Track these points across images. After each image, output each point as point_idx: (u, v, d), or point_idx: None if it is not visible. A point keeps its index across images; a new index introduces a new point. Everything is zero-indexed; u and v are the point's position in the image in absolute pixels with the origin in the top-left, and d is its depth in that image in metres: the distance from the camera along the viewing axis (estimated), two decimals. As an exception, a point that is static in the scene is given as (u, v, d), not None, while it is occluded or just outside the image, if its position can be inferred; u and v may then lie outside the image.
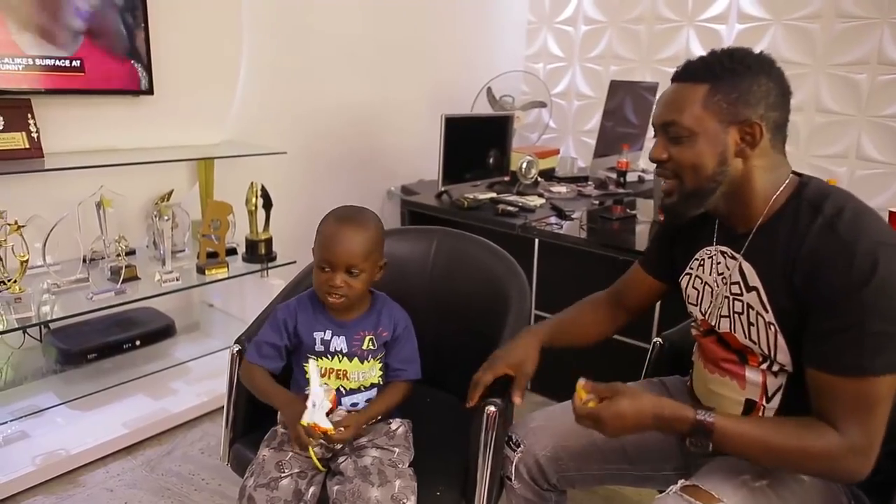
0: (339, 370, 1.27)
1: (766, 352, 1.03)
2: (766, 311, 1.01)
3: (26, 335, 2.05)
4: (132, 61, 2.12)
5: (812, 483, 1.03)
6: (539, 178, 3.10)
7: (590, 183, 3.16)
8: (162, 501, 1.80)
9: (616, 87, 3.05)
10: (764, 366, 1.05)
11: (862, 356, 0.90)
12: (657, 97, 1.09)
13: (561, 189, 3.00)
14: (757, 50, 1.02)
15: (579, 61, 3.77)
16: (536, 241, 2.38)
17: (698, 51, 3.27)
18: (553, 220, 2.49)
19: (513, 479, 1.25)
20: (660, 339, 1.44)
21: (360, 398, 1.29)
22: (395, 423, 1.30)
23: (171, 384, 2.28)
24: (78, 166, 1.95)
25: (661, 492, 1.05)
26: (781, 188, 1.03)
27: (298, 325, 1.29)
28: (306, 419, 1.14)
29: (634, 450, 1.24)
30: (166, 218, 2.11)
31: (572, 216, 2.54)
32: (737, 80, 0.99)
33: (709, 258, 1.15)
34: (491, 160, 3.00)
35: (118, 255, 2.01)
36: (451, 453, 1.29)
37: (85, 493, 1.82)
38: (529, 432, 1.26)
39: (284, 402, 1.25)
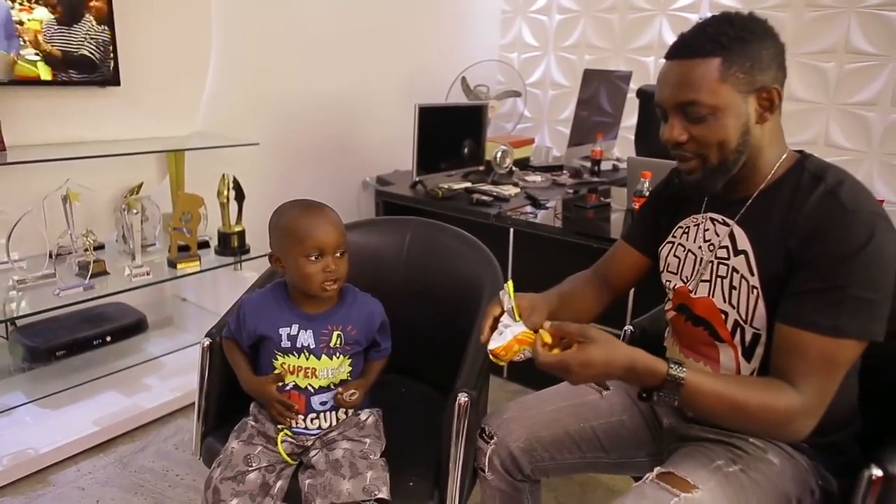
0: (308, 368, 1.24)
1: (743, 316, 1.04)
2: (752, 275, 1.02)
3: (-8, 333, 2.01)
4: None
5: (783, 466, 1.05)
6: (514, 168, 3.10)
7: (564, 172, 3.17)
8: (135, 499, 1.78)
9: (590, 77, 3.05)
10: (737, 339, 1.06)
11: (839, 317, 0.92)
12: (658, 78, 1.05)
13: (536, 178, 3.00)
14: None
15: (554, 50, 3.77)
16: (511, 230, 2.38)
17: (671, 40, 3.29)
18: (528, 209, 2.49)
19: (486, 470, 1.24)
20: (630, 327, 1.45)
21: (328, 397, 1.26)
22: (365, 414, 1.29)
23: (143, 380, 2.24)
24: (42, 159, 1.91)
25: (635, 478, 1.05)
26: (784, 157, 1.05)
27: (260, 322, 1.27)
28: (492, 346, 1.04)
29: (608, 438, 1.24)
30: (135, 211, 2.07)
31: (547, 205, 2.55)
32: (747, 48, 0.97)
33: (695, 226, 1.15)
34: (465, 150, 2.99)
35: (86, 250, 1.97)
36: (424, 444, 1.29)
37: (55, 493, 1.79)
38: (503, 423, 1.25)
39: (248, 378, 1.29)
